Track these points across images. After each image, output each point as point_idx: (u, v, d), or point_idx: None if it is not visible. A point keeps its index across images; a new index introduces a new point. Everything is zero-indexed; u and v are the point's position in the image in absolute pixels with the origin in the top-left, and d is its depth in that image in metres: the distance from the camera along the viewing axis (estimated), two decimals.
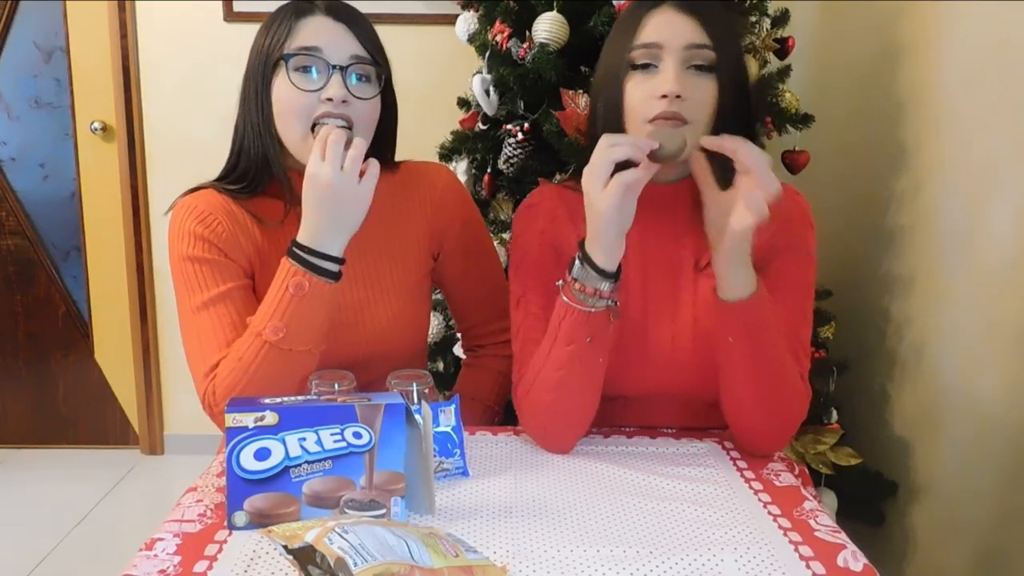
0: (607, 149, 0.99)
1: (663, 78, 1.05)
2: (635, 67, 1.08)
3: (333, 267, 1.08)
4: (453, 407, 1.05)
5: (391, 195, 1.26)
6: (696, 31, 1.05)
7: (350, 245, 1.10)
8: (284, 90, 1.13)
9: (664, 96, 1.04)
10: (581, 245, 1.05)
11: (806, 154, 1.97)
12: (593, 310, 1.05)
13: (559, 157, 1.75)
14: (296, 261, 1.07)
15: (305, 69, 1.12)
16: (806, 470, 1.16)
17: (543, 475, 1.06)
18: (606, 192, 0.99)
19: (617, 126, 1.10)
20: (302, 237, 1.08)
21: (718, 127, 1.06)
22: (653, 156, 1.01)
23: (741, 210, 0.98)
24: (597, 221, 1.01)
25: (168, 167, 2.90)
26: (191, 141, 2.83)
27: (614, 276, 1.04)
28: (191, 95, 2.84)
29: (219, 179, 1.23)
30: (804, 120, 1.89)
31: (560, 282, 1.07)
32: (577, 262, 1.05)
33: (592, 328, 1.05)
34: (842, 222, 2.17)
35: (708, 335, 1.12)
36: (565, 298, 1.06)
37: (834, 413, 1.92)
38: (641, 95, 1.07)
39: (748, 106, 1.10)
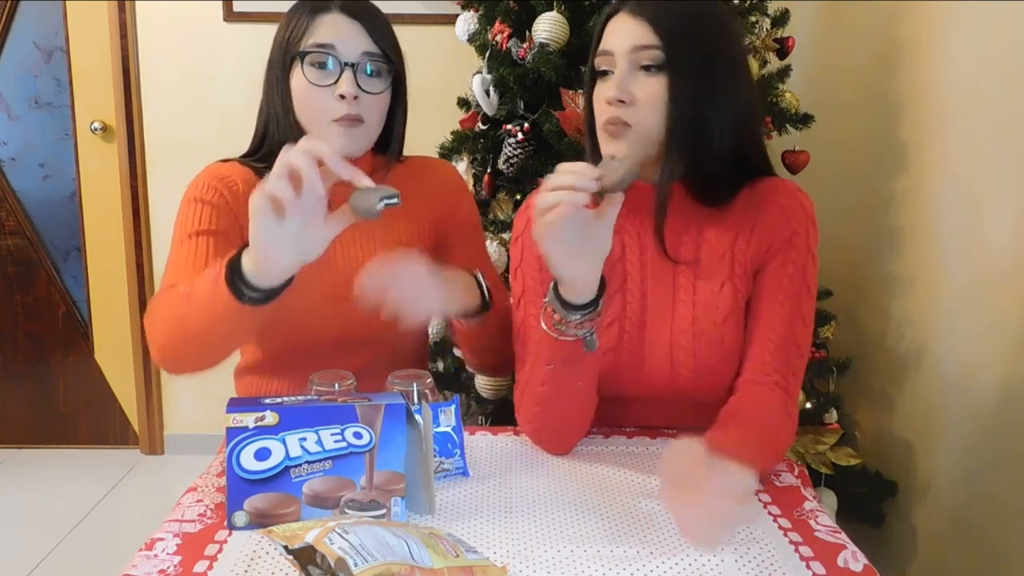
0: (539, 196, 0.94)
1: (608, 83, 1.09)
2: (599, 74, 1.11)
3: (261, 295, 0.96)
4: (453, 407, 1.05)
5: (399, 186, 1.27)
6: (643, 32, 1.06)
7: (353, 225, 1.05)
8: (301, 85, 1.18)
9: (609, 103, 1.07)
10: None
11: (806, 154, 1.97)
12: (561, 339, 1.04)
13: (559, 157, 1.75)
14: (231, 287, 0.96)
15: (320, 65, 1.17)
16: (806, 470, 1.16)
17: (543, 475, 1.06)
18: (536, 236, 0.96)
19: (591, 131, 1.14)
20: (247, 264, 0.95)
21: (670, 126, 1.07)
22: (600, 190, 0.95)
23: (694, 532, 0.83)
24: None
25: (168, 167, 2.89)
26: (191, 141, 2.83)
27: (583, 308, 1.01)
28: (191, 95, 2.84)
29: (245, 155, 1.27)
30: (804, 120, 1.89)
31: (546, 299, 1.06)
32: (550, 289, 1.04)
33: (564, 355, 1.05)
34: (842, 222, 2.17)
35: (707, 336, 1.12)
36: (542, 320, 1.05)
37: (834, 413, 1.93)
38: (599, 101, 1.10)
39: (709, 107, 1.07)
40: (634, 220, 1.16)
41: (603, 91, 1.09)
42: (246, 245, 0.94)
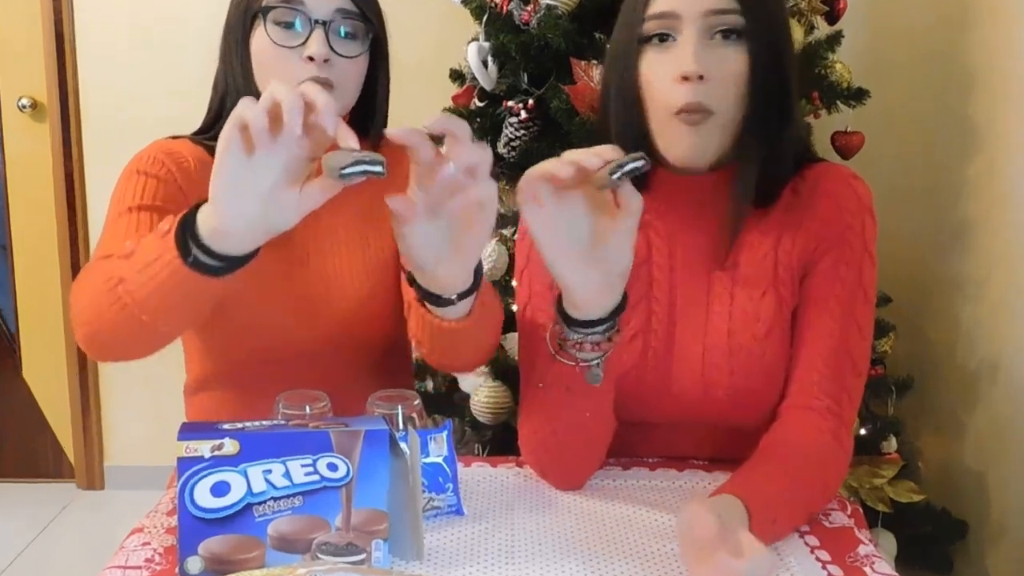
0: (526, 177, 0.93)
1: (680, 55, 1.05)
2: (647, 40, 1.08)
3: (217, 263, 0.94)
4: (445, 434, 1.05)
5: None
6: None
7: (322, 214, 1.04)
8: (263, 46, 1.18)
9: (685, 78, 1.04)
10: None
11: (860, 135, 1.97)
12: (558, 357, 1.03)
13: (569, 138, 1.75)
14: (180, 247, 0.94)
15: (287, 24, 1.17)
16: (860, 509, 1.16)
17: (550, 515, 1.06)
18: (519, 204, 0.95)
19: (633, 117, 1.10)
20: (204, 219, 0.93)
21: (751, 108, 1.07)
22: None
23: None
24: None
25: (109, 150, 2.90)
26: (136, 119, 2.83)
27: (585, 326, 1.00)
28: (135, 65, 2.85)
29: (197, 133, 1.27)
30: (857, 95, 1.89)
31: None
32: (557, 295, 1.03)
33: (566, 379, 1.04)
34: (902, 215, 2.17)
35: (745, 351, 1.12)
36: (548, 342, 1.05)
37: (893, 441, 1.92)
38: (659, 78, 1.07)
39: (788, 82, 1.09)
40: (664, 215, 1.15)
41: (668, 64, 1.06)
42: (205, 201, 0.92)
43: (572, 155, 0.91)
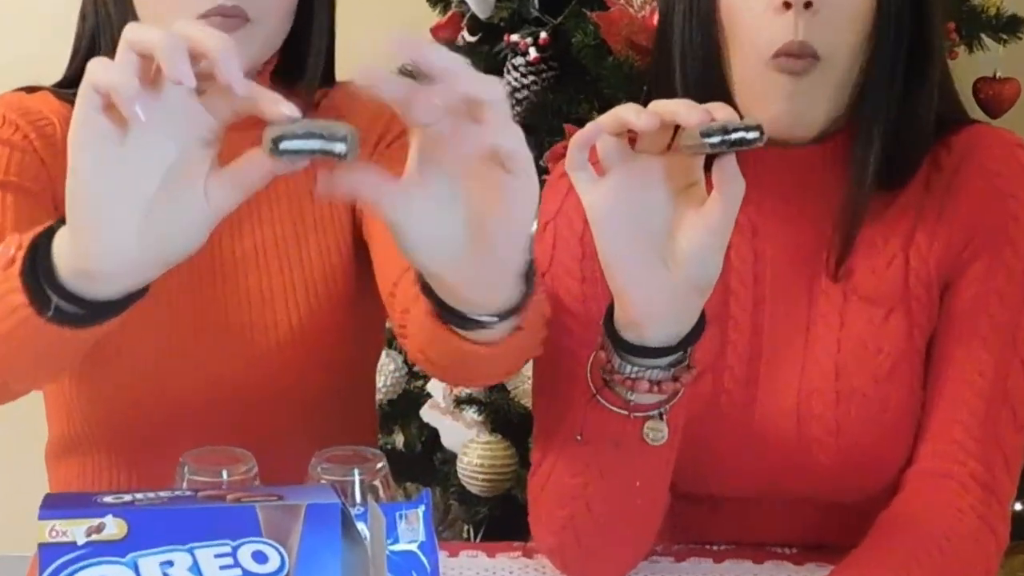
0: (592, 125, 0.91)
1: None
2: None
3: (86, 312, 0.89)
4: (421, 510, 1.05)
5: None
6: None
7: (241, 213, 1.01)
8: None
9: (787, 5, 1.03)
10: None
11: (1014, 83, 1.97)
12: (597, 397, 1.03)
13: (598, 88, 1.76)
14: (32, 292, 0.88)
15: None
16: None
17: None
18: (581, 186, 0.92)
19: (710, 62, 1.10)
20: (64, 254, 0.87)
21: (877, 54, 1.07)
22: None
23: None
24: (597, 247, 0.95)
25: None
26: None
27: (642, 355, 0.99)
28: None
29: (61, 85, 1.28)
30: (1010, 26, 1.89)
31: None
32: (607, 310, 1.01)
33: (614, 434, 1.04)
34: None
35: (860, 397, 1.12)
36: (589, 374, 1.05)
37: None
38: (750, 6, 1.06)
39: (931, 13, 1.09)
40: (747, 204, 1.10)
41: None
42: (63, 220, 0.84)
43: (661, 104, 0.87)
